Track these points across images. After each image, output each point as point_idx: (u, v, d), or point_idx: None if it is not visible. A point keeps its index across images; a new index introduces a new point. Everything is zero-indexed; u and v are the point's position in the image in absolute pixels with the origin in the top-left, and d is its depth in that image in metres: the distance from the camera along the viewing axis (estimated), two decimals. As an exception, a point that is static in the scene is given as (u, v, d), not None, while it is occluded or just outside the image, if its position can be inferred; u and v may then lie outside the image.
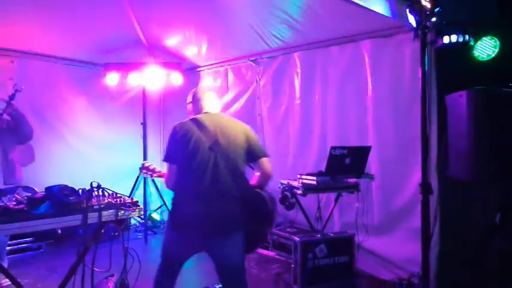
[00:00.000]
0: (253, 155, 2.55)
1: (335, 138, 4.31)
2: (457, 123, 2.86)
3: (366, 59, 4.06)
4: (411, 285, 3.52)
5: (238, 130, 2.58)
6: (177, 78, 5.37)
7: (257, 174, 2.63)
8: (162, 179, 2.75)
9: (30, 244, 4.70)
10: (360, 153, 3.61)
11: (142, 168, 2.94)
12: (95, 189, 2.24)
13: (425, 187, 2.42)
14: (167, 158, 2.48)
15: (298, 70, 4.75)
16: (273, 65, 5.01)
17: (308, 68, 4.65)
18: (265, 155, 2.60)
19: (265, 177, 2.60)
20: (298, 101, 4.77)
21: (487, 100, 2.76)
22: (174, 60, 5.48)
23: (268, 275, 4.08)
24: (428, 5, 2.52)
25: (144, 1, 4.20)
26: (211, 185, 2.38)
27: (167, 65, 5.28)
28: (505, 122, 2.78)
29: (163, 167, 2.74)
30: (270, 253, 4.45)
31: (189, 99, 2.76)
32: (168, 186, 2.54)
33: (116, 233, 3.90)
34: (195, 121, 2.52)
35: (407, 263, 3.61)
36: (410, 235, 3.59)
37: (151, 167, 2.92)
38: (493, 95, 2.80)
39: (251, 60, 5.19)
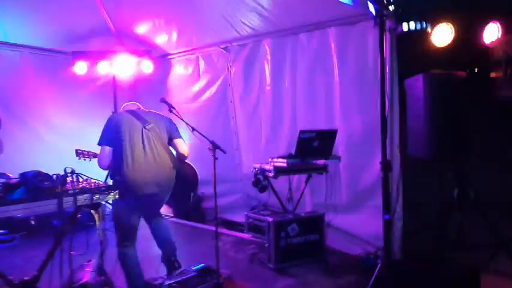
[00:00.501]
0: (170, 136, 3.20)
1: (305, 122, 4.46)
2: (414, 105, 3.08)
3: (333, 46, 4.21)
4: (377, 258, 3.73)
5: (162, 117, 3.25)
6: (147, 66, 5.36)
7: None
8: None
9: (3, 236, 4.64)
10: (327, 136, 3.78)
11: (78, 153, 3.15)
12: (69, 174, 2.29)
13: (384, 164, 2.61)
14: (102, 142, 2.98)
15: (268, 57, 4.85)
16: (243, 52, 5.09)
17: (278, 54, 4.75)
18: (180, 137, 3.26)
19: (180, 155, 3.26)
20: (268, 87, 4.89)
21: (440, 83, 2.99)
22: (144, 48, 5.45)
23: (244, 256, 4.21)
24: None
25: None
26: (151, 157, 3.00)
27: (137, 52, 5.26)
28: (458, 103, 3.02)
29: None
30: (246, 235, 4.58)
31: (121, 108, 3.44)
32: (102, 165, 3.02)
33: (91, 223, 3.94)
34: (129, 111, 3.17)
35: (374, 238, 3.81)
36: (376, 212, 3.76)
37: (86, 151, 3.14)
38: (446, 78, 3.03)
39: (222, 48, 5.24)
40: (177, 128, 3.28)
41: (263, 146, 4.96)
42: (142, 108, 3.30)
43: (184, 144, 3.27)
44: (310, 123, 4.36)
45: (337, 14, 3.97)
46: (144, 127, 3.06)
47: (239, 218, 4.93)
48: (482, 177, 3.46)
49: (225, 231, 4.98)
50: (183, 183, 3.24)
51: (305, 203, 4.45)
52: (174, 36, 5.31)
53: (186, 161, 3.43)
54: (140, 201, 3.05)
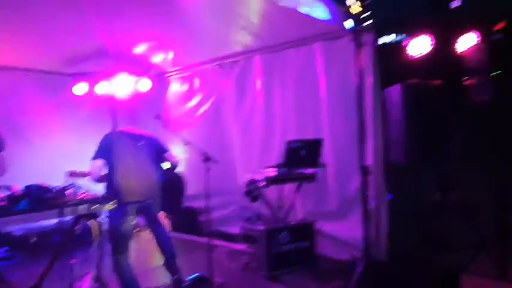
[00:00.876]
0: (159, 151, 3.63)
1: (295, 133, 4.63)
2: (393, 113, 3.25)
3: (318, 60, 4.43)
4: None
5: (149, 136, 3.65)
6: (145, 85, 5.57)
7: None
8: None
9: (4, 254, 4.75)
10: (314, 145, 3.95)
11: (71, 175, 3.37)
12: (70, 186, 2.46)
13: (363, 169, 2.76)
14: (95, 156, 3.29)
15: (259, 72, 5.07)
16: (235, 68, 5.32)
17: (268, 69, 4.98)
18: (168, 150, 3.71)
19: (172, 164, 3.71)
20: (260, 101, 5.09)
21: (416, 92, 3.17)
22: (141, 68, 5.66)
23: (238, 265, 4.30)
24: (360, 10, 2.86)
25: (108, 11, 4.39)
26: (139, 169, 3.39)
27: (135, 72, 5.47)
28: (433, 110, 3.19)
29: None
30: (241, 246, 4.69)
31: None
32: (93, 178, 3.25)
33: (90, 239, 4.13)
34: (121, 130, 3.63)
35: (362, 242, 3.92)
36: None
37: (77, 171, 3.42)
38: (421, 87, 3.21)
39: (215, 65, 5.47)
40: (163, 144, 3.74)
41: (256, 158, 5.11)
42: (133, 129, 3.69)
43: (173, 156, 3.74)
44: (300, 134, 4.53)
45: (321, 30, 4.20)
46: (134, 144, 3.48)
47: (235, 229, 5.04)
48: (462, 179, 3.60)
49: (220, 242, 5.07)
50: (173, 188, 3.58)
51: (296, 211, 4.57)
52: (170, 55, 5.54)
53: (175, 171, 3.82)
54: (132, 207, 3.32)
